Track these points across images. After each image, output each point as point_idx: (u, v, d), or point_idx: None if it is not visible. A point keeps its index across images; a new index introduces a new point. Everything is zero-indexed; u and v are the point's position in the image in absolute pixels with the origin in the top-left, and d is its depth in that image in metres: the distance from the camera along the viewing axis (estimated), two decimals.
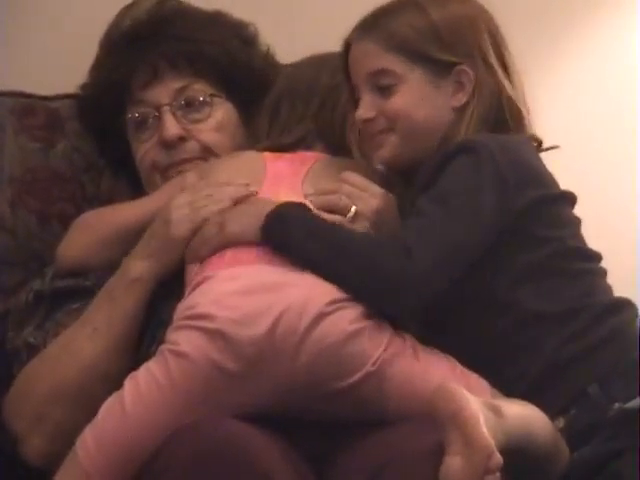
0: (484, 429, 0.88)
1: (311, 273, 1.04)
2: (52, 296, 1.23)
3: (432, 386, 0.97)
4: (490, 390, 1.04)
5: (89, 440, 0.99)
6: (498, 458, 0.88)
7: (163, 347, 1.01)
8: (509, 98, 1.17)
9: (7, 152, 1.42)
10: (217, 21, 1.38)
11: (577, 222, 1.17)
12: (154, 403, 0.99)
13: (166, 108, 1.29)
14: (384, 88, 1.16)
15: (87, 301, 1.19)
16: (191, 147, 1.30)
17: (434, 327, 1.14)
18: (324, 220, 1.10)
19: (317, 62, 1.32)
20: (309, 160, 1.20)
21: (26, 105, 1.46)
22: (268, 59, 1.41)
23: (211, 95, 1.32)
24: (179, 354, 0.98)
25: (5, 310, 1.31)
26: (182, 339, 0.99)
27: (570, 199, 1.18)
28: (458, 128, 1.16)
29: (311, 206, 1.11)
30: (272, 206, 1.09)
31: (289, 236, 1.06)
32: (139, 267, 1.16)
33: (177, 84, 1.30)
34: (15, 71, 1.54)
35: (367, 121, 1.17)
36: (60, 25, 1.57)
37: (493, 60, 1.17)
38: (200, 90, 1.31)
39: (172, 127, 1.28)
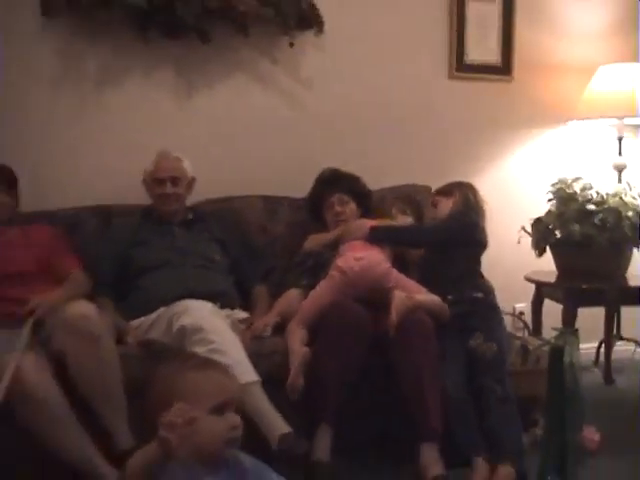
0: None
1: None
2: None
3: (408, 288, 2.73)
4: (424, 289, 2.76)
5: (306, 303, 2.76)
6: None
7: (330, 273, 2.76)
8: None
9: None
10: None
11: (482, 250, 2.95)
12: (325, 289, 2.71)
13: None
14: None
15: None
16: None
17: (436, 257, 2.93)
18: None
19: None
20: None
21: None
22: None
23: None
24: (333, 275, 2.76)
25: (271, 267, 3.13)
26: (334, 273, 2.77)
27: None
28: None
29: None
30: (368, 224, 2.94)
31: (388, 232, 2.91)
32: None
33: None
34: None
35: None
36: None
37: None
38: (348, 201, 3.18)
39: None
